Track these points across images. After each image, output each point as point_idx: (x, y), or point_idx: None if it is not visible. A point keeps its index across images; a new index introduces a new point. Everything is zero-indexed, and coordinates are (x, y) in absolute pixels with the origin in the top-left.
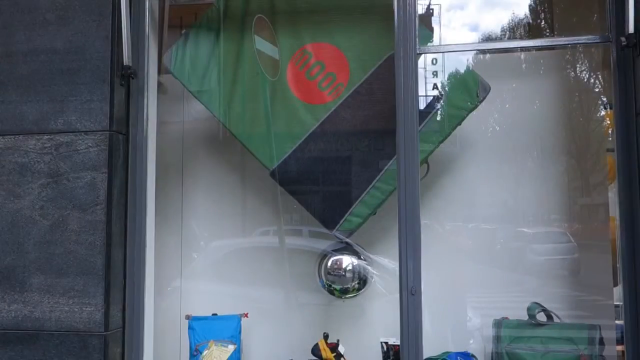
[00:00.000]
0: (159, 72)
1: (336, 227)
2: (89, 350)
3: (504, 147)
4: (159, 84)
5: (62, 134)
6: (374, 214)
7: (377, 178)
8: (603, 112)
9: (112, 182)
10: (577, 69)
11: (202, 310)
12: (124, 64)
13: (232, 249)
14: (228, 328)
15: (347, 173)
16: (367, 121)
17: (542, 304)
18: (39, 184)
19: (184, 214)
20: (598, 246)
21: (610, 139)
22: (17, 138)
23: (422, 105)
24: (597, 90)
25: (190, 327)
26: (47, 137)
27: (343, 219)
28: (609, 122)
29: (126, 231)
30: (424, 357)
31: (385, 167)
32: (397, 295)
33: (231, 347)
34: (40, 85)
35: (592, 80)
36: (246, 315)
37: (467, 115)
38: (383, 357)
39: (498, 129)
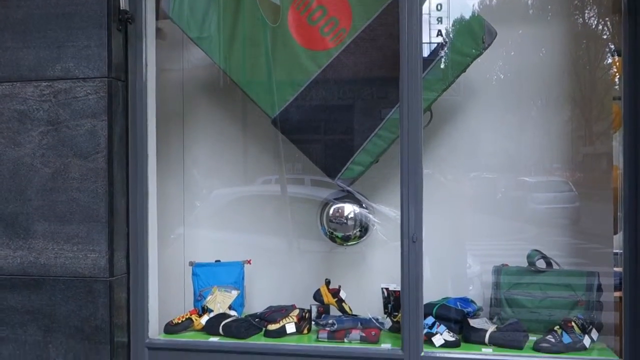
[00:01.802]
0: (157, 18)
1: (338, 175)
2: (94, 295)
3: (508, 95)
4: (158, 30)
5: (61, 81)
6: (376, 162)
7: (379, 126)
8: (610, 60)
9: (113, 129)
10: (586, 14)
11: (206, 257)
12: (121, 8)
13: (234, 197)
14: (231, 274)
15: (349, 121)
16: (370, 68)
17: (542, 252)
18: (39, 132)
19: (185, 162)
20: (599, 195)
21: (616, 86)
22: (14, 85)
23: (426, 53)
24: (605, 37)
25: (194, 273)
26: (45, 84)
27: (345, 167)
28: (616, 69)
29: (128, 179)
30: (424, 302)
31: (388, 115)
32: (398, 243)
33: (234, 293)
34: (35, 30)
35: (600, 27)
36: (249, 262)
37: (472, 62)
38: (384, 302)
39: (502, 77)
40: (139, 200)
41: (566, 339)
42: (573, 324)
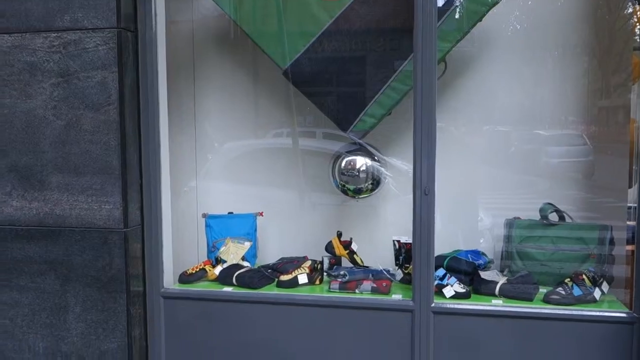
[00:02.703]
0: None
1: (350, 128)
2: (109, 245)
3: (523, 46)
4: None
5: (70, 32)
6: (389, 114)
7: (392, 78)
8: (631, 9)
9: (123, 81)
10: None
11: (218, 209)
12: None
13: (245, 150)
14: (244, 226)
15: (361, 73)
16: (383, 18)
17: (555, 205)
18: (50, 84)
19: (196, 115)
20: (615, 148)
21: (637, 37)
22: (24, 36)
23: (440, 2)
24: None
25: (207, 225)
26: (54, 34)
27: (357, 119)
28: (636, 19)
29: (140, 131)
30: (435, 254)
31: (401, 67)
32: (410, 196)
33: (247, 244)
34: None
35: None
36: (261, 214)
37: (488, 11)
38: (395, 254)
39: (519, 27)
40: (151, 153)
41: (576, 291)
42: (584, 276)
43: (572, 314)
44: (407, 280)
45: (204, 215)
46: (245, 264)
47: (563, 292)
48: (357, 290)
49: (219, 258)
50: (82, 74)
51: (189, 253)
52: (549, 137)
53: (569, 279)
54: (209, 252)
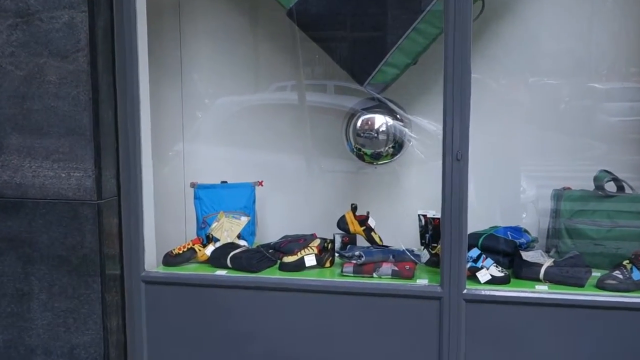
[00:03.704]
0: None
1: (367, 80)
2: (80, 220)
3: None
4: None
5: None
6: (414, 63)
7: (418, 19)
8: None
9: (95, 23)
10: None
11: (210, 177)
12: None
13: (242, 107)
14: (240, 198)
15: (382, 14)
16: None
17: (613, 173)
18: (7, 25)
19: (183, 65)
20: None
21: None
22: None
23: None
24: None
25: (196, 197)
26: None
27: (376, 70)
28: None
29: (115, 84)
30: (469, 232)
31: (430, 6)
32: (439, 162)
33: (244, 219)
34: None
35: None
36: (261, 183)
37: None
38: (420, 231)
39: None
40: (129, 110)
41: (637, 275)
42: None
43: (632, 302)
44: (434, 262)
45: (193, 185)
46: (242, 242)
47: (620, 276)
48: (374, 275)
49: (211, 236)
50: (46, 14)
51: (175, 230)
52: (606, 92)
53: (627, 261)
54: (199, 228)
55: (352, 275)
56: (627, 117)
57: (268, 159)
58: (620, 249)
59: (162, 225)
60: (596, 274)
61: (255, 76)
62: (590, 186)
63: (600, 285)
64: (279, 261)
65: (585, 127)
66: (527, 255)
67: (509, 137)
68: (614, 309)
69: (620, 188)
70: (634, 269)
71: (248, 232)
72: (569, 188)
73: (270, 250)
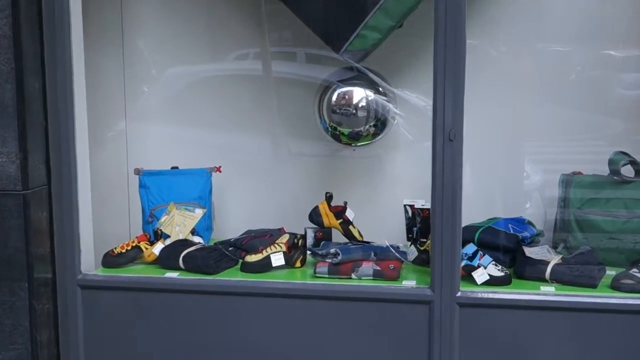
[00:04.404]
0: None
1: (344, 46)
2: (2, 214)
3: None
4: None
5: None
6: (400, 26)
7: None
8: None
9: None
10: None
11: (158, 162)
12: None
13: (196, 78)
14: (194, 186)
15: None
16: None
17: (631, 155)
18: None
19: (125, 28)
20: None
21: None
22: None
23: None
24: None
25: (142, 185)
26: None
27: (354, 34)
28: None
29: (42, 51)
30: (463, 224)
31: None
32: (429, 143)
33: (199, 212)
34: None
35: None
36: (218, 169)
37: None
38: (407, 223)
39: None
40: (60, 82)
41: None
42: None
43: None
44: (423, 260)
45: (138, 172)
46: (197, 239)
47: (639, 275)
48: (353, 275)
49: (160, 232)
50: None
51: (117, 224)
52: (624, 60)
53: None
54: (145, 223)
55: (326, 276)
56: None
57: (227, 141)
58: (638, 243)
59: (102, 219)
60: (611, 272)
61: (211, 42)
62: (604, 170)
63: (616, 286)
64: (240, 261)
65: (598, 101)
66: (531, 252)
67: (510, 113)
68: (632, 313)
69: (639, 172)
70: None
71: (204, 227)
72: (579, 173)
73: (231, 248)
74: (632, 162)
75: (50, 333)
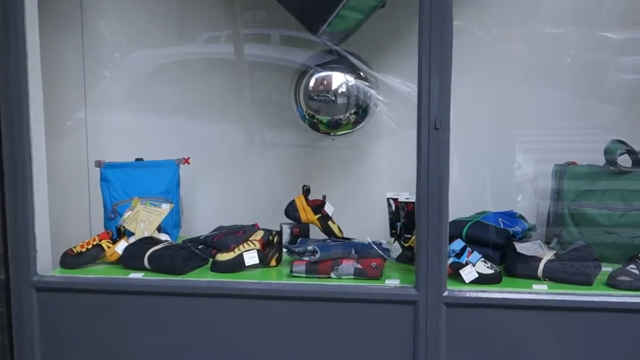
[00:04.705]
0: None
1: (322, 28)
2: None
3: None
4: None
5: None
6: (382, 6)
7: None
8: None
9: None
10: None
11: (121, 154)
12: None
13: (162, 63)
14: (160, 179)
15: None
16: None
17: (628, 144)
18: None
19: (85, 8)
20: None
21: None
22: None
23: None
24: None
25: (103, 179)
26: None
27: (333, 15)
28: None
29: None
30: (450, 219)
31: None
32: (414, 132)
33: (165, 207)
34: None
35: None
36: (187, 160)
37: None
38: (390, 218)
39: None
40: (13, 67)
41: None
42: None
43: None
44: (407, 257)
45: (99, 164)
46: (164, 237)
47: (636, 272)
48: (333, 274)
49: (123, 229)
50: None
51: (77, 222)
52: (621, 43)
53: None
54: (107, 219)
55: (304, 275)
56: None
57: (196, 130)
58: (636, 237)
59: (60, 216)
60: (607, 269)
61: (179, 24)
62: (600, 160)
63: (612, 283)
64: (211, 260)
65: (594, 86)
66: (522, 248)
67: (500, 100)
68: (629, 312)
69: (637, 162)
70: None
71: (171, 224)
72: (573, 163)
73: (200, 246)
74: (630, 152)
75: (4, 338)
